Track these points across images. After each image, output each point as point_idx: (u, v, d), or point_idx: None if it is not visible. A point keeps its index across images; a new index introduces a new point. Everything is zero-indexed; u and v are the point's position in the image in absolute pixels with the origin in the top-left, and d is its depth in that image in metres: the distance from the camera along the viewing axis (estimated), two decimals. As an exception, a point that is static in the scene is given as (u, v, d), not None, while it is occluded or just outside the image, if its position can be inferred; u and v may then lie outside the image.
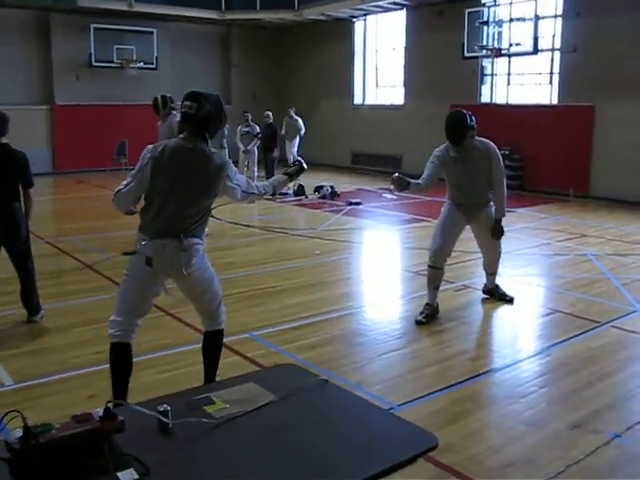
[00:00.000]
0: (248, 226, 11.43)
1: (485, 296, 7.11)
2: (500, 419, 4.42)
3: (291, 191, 14.53)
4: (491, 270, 6.98)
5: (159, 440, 2.37)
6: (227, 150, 15.11)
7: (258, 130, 15.08)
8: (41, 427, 2.12)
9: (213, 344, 4.59)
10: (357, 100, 20.67)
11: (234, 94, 22.26)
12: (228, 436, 2.43)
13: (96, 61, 19.36)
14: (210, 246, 9.52)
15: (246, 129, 15.17)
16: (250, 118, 15.29)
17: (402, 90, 19.05)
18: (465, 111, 6.26)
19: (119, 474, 1.95)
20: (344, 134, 20.67)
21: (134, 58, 19.71)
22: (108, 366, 5.12)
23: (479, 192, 6.46)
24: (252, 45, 22.54)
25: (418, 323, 6.25)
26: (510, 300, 6.96)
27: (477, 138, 6.32)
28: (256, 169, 15.30)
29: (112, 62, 19.53)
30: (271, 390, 2.77)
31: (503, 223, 6.55)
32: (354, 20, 20.27)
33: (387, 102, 19.85)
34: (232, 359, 5.33)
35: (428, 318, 6.33)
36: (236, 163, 15.45)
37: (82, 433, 2.16)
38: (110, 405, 2.24)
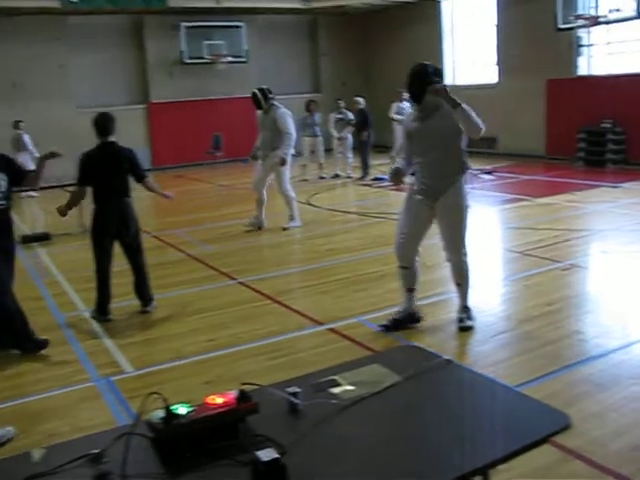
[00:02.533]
0: (346, 212, 11.45)
1: (591, 275, 6.56)
2: (623, 401, 4.24)
3: (387, 175, 14.44)
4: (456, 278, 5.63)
5: (290, 421, 2.40)
6: (321, 138, 15.25)
7: (351, 117, 15.08)
8: (182, 406, 2.18)
9: None
10: (447, 80, 20.33)
11: (323, 82, 22.34)
12: (357, 417, 2.44)
13: (188, 58, 19.79)
14: (310, 233, 9.68)
15: (339, 116, 15.22)
16: (343, 105, 15.32)
17: (495, 68, 18.60)
18: (429, 63, 5.32)
19: (258, 453, 1.98)
20: (436, 116, 20.35)
21: (224, 53, 20.02)
22: (222, 353, 5.29)
23: (444, 167, 5.29)
24: (339, 32, 22.51)
25: (381, 327, 5.62)
26: (466, 328, 5.56)
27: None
28: (350, 155, 15.33)
29: (203, 58, 19.90)
30: (395, 371, 2.76)
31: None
32: (440, 0, 19.93)
33: (479, 81, 19.44)
34: (343, 344, 5.36)
35: (394, 323, 5.60)
36: (331, 150, 15.58)
37: (219, 414, 2.21)
38: (244, 388, 2.29)
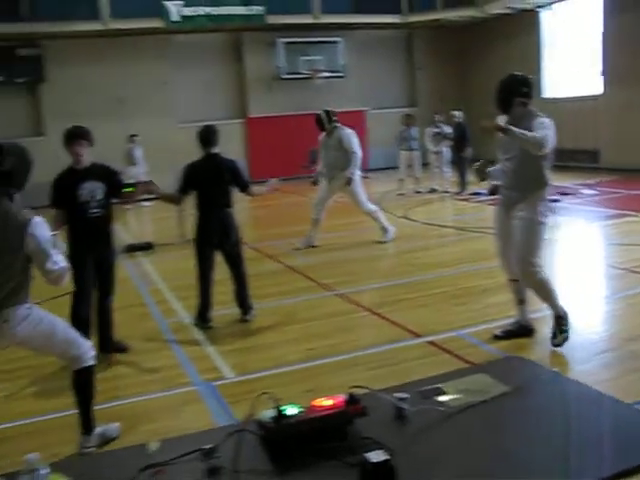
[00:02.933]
0: (443, 226, 11.33)
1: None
2: None
3: (485, 190, 14.21)
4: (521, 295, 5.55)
5: (397, 426, 2.39)
6: (419, 152, 15.16)
7: (448, 131, 14.95)
8: (291, 407, 2.21)
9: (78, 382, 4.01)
10: (547, 93, 19.87)
11: (420, 96, 22.28)
12: (463, 425, 2.40)
13: (285, 73, 20.13)
14: (407, 247, 9.62)
15: (436, 130, 15.11)
16: (439, 119, 15.21)
17: (600, 78, 18.03)
18: (520, 74, 5.27)
19: (368, 454, 1.97)
20: (534, 129, 19.90)
21: (321, 68, 20.26)
22: (322, 362, 5.30)
23: (520, 179, 5.22)
24: (435, 46, 22.41)
25: (495, 337, 5.52)
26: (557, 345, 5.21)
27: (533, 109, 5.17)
28: (447, 170, 15.17)
29: (300, 73, 20.21)
30: (502, 381, 2.71)
31: None
32: (539, 10, 19.53)
33: (581, 93, 18.89)
34: (442, 357, 5.27)
35: (507, 334, 5.49)
36: (427, 165, 15.47)
37: (328, 416, 2.22)
38: (353, 391, 2.29)
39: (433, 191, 15.28)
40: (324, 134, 9.87)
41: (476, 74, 22.26)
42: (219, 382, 5.08)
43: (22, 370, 5.66)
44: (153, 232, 12.38)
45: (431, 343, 5.62)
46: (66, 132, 5.58)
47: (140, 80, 19.03)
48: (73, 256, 5.59)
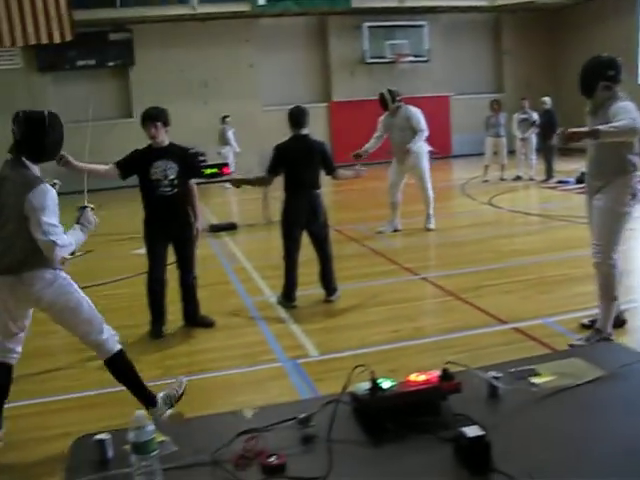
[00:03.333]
0: (529, 214, 11.11)
1: None
2: None
3: (572, 178, 13.88)
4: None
5: (490, 404, 2.38)
6: (505, 138, 14.88)
7: (535, 118, 14.61)
8: (385, 381, 2.22)
9: (115, 371, 4.08)
10: (643, 78, 19.15)
11: (506, 82, 21.85)
12: (558, 408, 2.36)
13: (370, 58, 20.05)
14: (490, 234, 9.49)
15: (523, 116, 14.80)
16: (527, 105, 14.88)
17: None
18: (606, 56, 5.01)
19: (464, 429, 1.97)
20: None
21: (405, 52, 20.09)
22: (406, 344, 5.31)
23: (600, 165, 4.99)
24: (523, 30, 21.88)
25: (583, 326, 5.40)
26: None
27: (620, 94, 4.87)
28: (534, 157, 14.85)
29: (384, 57, 20.10)
30: (597, 365, 2.65)
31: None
32: (639, -9, 18.83)
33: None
34: (528, 344, 5.21)
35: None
36: (513, 152, 15.16)
37: (423, 391, 2.23)
38: (447, 367, 2.29)
39: (518, 179, 15.00)
40: (386, 114, 9.76)
41: (567, 60, 21.56)
42: (303, 360, 5.16)
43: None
44: (237, 213, 12.56)
45: (517, 330, 5.55)
46: (142, 113, 5.76)
47: (226, 63, 19.33)
48: (146, 233, 5.82)
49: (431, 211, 9.94)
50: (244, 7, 18.34)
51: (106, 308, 7.09)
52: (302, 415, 2.18)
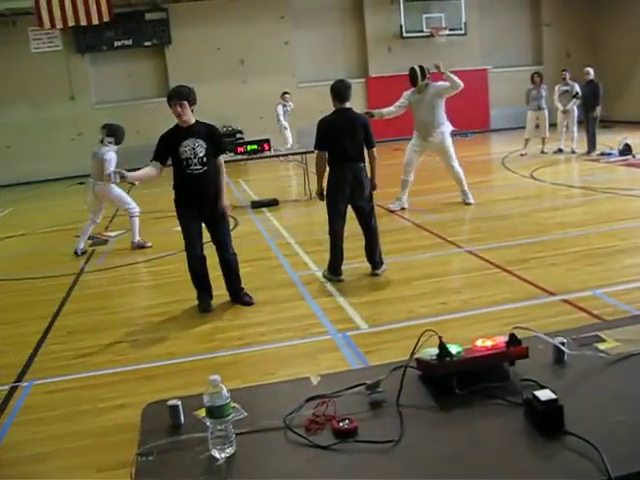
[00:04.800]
0: (572, 187, 10.95)
1: None
2: None
3: (615, 150, 13.63)
4: None
5: (557, 370, 2.35)
6: (546, 111, 14.63)
7: (577, 89, 14.33)
8: (453, 347, 2.21)
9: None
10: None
11: (546, 54, 21.46)
12: (627, 373, 2.33)
13: (406, 32, 19.84)
14: (535, 207, 9.38)
15: (565, 88, 14.54)
16: (568, 77, 14.60)
17: None
18: None
19: (536, 392, 1.96)
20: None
21: (443, 25, 19.85)
22: (455, 316, 5.29)
23: None
24: (563, 0, 21.41)
25: None
26: None
27: None
28: (576, 129, 14.59)
29: (421, 32, 19.88)
30: (663, 332, 2.61)
31: None
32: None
33: None
34: (578, 315, 5.15)
35: None
36: (555, 125, 14.91)
37: (491, 355, 2.21)
38: (514, 332, 2.27)
39: (560, 151, 14.76)
40: (413, 90, 9.48)
41: (611, 28, 21.09)
42: (353, 332, 5.17)
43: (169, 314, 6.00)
44: (278, 189, 12.56)
45: (566, 302, 5.49)
46: (169, 92, 5.76)
47: (261, 41, 19.28)
48: (178, 212, 5.85)
49: (465, 187, 9.82)
50: (279, -17, 18.28)
51: (151, 284, 7.27)
52: (370, 381, 2.18)
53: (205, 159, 5.74)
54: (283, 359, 4.77)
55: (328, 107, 6.53)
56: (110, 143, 8.48)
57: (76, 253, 8.75)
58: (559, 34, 21.37)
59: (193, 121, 5.79)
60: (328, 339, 5.08)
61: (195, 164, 5.71)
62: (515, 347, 2.25)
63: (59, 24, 16.34)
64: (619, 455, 1.82)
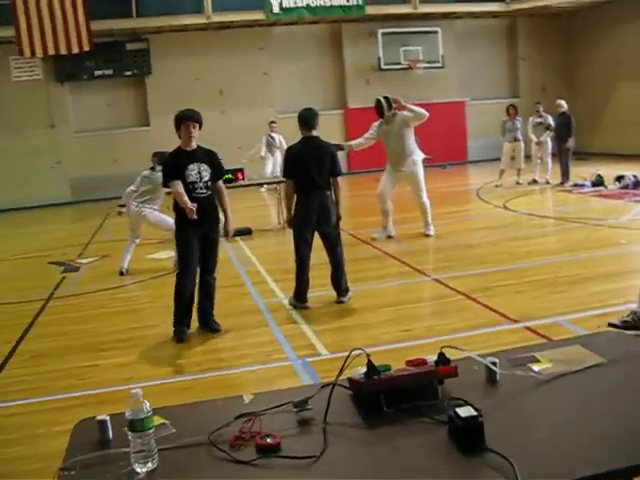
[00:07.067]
0: (544, 217, 11.07)
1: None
2: None
3: (588, 182, 13.81)
4: None
5: (487, 389, 2.39)
6: (522, 142, 14.81)
7: (550, 121, 14.56)
8: (382, 367, 2.25)
9: None
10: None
11: (522, 87, 21.75)
12: (555, 393, 2.37)
13: (384, 64, 20.09)
14: (506, 236, 9.47)
15: (538, 120, 14.76)
16: (542, 109, 14.83)
17: None
18: None
19: (458, 409, 1.99)
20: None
21: (420, 58, 20.12)
22: (417, 343, 5.32)
23: None
24: (539, 35, 21.75)
25: (610, 325, 5.21)
26: None
27: None
28: (550, 161, 14.78)
29: (399, 64, 20.12)
30: (598, 353, 2.66)
31: None
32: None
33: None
34: (539, 342, 5.18)
35: (624, 325, 5.13)
36: (530, 157, 15.09)
37: (419, 374, 2.25)
38: (444, 351, 2.31)
39: (534, 182, 14.93)
40: (381, 122, 9.53)
41: (585, 62, 21.46)
42: (313, 359, 5.20)
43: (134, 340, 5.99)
44: (252, 218, 12.61)
45: (528, 329, 5.55)
46: (181, 113, 5.80)
47: (241, 71, 19.44)
48: (179, 235, 5.85)
49: (429, 219, 9.82)
50: (258, 15, 18.44)
51: (119, 310, 7.26)
52: (298, 399, 2.21)
53: (209, 183, 5.83)
54: (240, 385, 4.79)
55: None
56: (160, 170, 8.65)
57: (121, 273, 8.79)
58: (535, 67, 21.71)
59: (195, 146, 5.86)
60: (287, 365, 5.11)
61: (201, 187, 5.77)
62: (444, 366, 2.29)
63: (39, 53, 16.46)
64: (534, 472, 1.86)
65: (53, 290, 8.29)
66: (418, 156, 9.57)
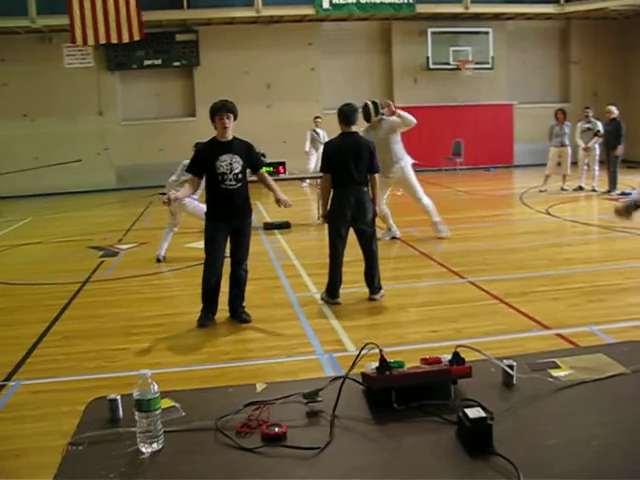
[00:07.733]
0: (587, 224, 10.87)
1: None
2: None
3: (636, 191, 13.50)
4: None
5: (502, 392, 2.35)
6: (569, 148, 14.54)
7: (599, 127, 14.27)
8: (395, 363, 2.23)
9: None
10: None
11: (573, 91, 21.37)
12: (572, 400, 2.32)
13: (433, 64, 19.94)
14: (548, 242, 9.33)
15: (587, 125, 14.47)
16: (591, 114, 14.55)
17: None
18: None
19: (467, 410, 1.96)
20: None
21: (470, 59, 19.92)
22: (445, 344, 5.28)
23: None
24: (593, 38, 21.33)
25: None
26: None
27: None
28: (597, 168, 14.48)
29: (448, 64, 19.95)
30: (622, 363, 2.59)
31: None
32: None
33: None
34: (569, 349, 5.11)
35: None
36: (577, 162, 14.83)
37: (431, 372, 2.22)
38: (459, 351, 2.28)
39: (580, 189, 14.67)
40: (367, 127, 9.25)
41: (637, 68, 20.97)
42: (340, 354, 5.19)
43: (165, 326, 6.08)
44: (291, 212, 12.63)
45: (560, 336, 5.46)
46: (215, 104, 5.83)
47: (288, 66, 19.49)
48: (208, 226, 5.90)
49: (436, 218, 9.70)
50: (308, 11, 18.46)
51: (153, 297, 7.34)
52: (308, 390, 2.21)
53: (240, 175, 5.84)
54: (265, 376, 4.80)
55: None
56: None
57: (158, 260, 8.95)
58: (587, 72, 21.31)
59: (231, 137, 5.88)
60: (314, 359, 5.11)
61: (230, 179, 5.79)
62: (457, 366, 2.26)
63: (91, 41, 16.79)
64: (541, 478, 1.82)
65: (91, 274, 8.43)
66: (406, 162, 9.40)
